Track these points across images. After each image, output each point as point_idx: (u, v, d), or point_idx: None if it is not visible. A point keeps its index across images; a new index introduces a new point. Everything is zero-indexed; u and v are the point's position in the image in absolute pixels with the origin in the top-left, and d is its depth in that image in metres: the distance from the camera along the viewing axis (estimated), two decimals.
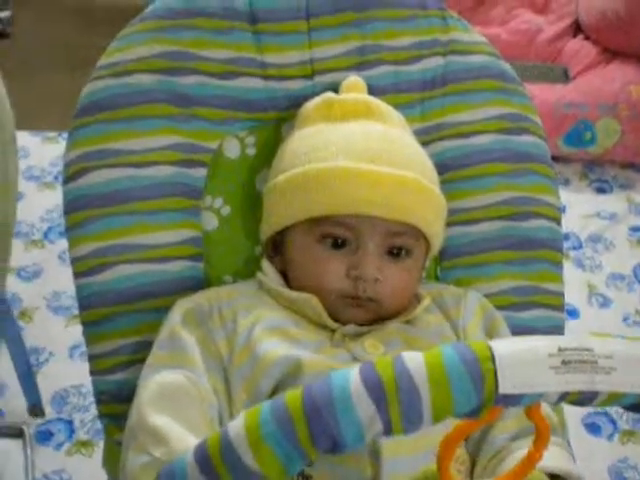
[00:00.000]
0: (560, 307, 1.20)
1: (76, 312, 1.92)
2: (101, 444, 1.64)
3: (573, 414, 1.80)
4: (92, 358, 1.07)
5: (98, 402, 1.07)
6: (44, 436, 1.64)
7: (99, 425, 1.69)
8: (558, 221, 1.21)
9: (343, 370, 0.57)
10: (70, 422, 1.68)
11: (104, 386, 1.06)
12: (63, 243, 2.10)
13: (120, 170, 1.08)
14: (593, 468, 1.81)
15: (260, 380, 0.94)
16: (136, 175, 1.09)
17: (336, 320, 1.01)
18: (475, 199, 1.18)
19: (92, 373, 1.07)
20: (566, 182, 2.58)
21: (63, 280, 1.97)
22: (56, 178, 2.34)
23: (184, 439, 0.85)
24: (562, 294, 1.20)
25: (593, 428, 1.91)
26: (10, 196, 1.06)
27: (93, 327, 1.07)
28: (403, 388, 0.55)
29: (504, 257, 1.17)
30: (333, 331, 1.00)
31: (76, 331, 1.88)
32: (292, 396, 0.56)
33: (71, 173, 1.09)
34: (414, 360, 0.56)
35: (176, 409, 0.91)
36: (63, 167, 1.10)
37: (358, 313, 1.01)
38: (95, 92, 1.11)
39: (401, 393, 0.55)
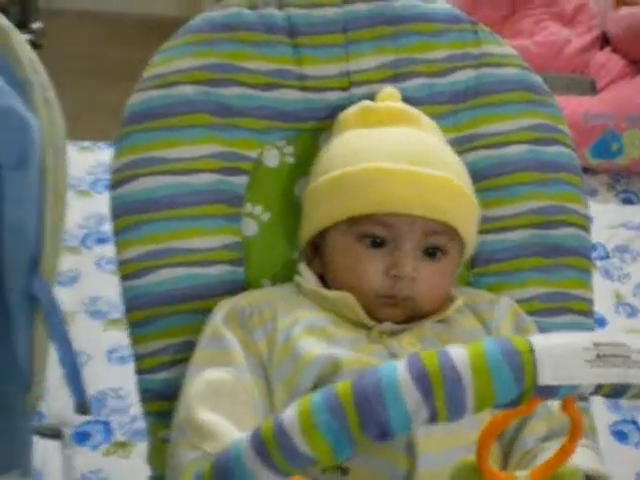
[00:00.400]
0: (589, 313, 1.22)
1: (113, 317, 1.99)
2: (138, 445, 1.70)
3: (601, 422, 1.82)
4: (137, 358, 1.11)
5: (143, 400, 1.11)
6: (82, 437, 1.69)
7: (136, 427, 1.74)
8: (587, 229, 1.24)
9: (391, 362, 0.60)
10: (107, 424, 1.73)
11: (149, 385, 1.10)
12: (99, 250, 2.18)
13: (165, 177, 1.13)
14: (620, 475, 1.83)
15: (299, 379, 0.98)
16: (180, 182, 1.13)
17: (372, 318, 1.04)
18: (507, 208, 1.21)
19: (137, 372, 1.11)
20: (593, 193, 2.60)
21: (99, 286, 2.02)
22: (92, 186, 2.39)
23: (232, 434, 0.89)
24: (591, 301, 1.23)
25: (620, 435, 1.93)
26: (60, 201, 1.10)
27: (138, 328, 1.11)
28: (448, 378, 0.58)
29: (534, 264, 1.21)
30: (369, 329, 1.04)
31: (113, 335, 1.94)
32: (343, 386, 0.60)
33: (118, 180, 1.13)
34: (458, 352, 0.60)
35: (223, 406, 0.95)
36: (110, 174, 1.15)
37: (395, 311, 1.05)
38: (141, 102, 1.15)
39: (446, 383, 0.58)
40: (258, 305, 1.05)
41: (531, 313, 1.17)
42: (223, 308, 1.06)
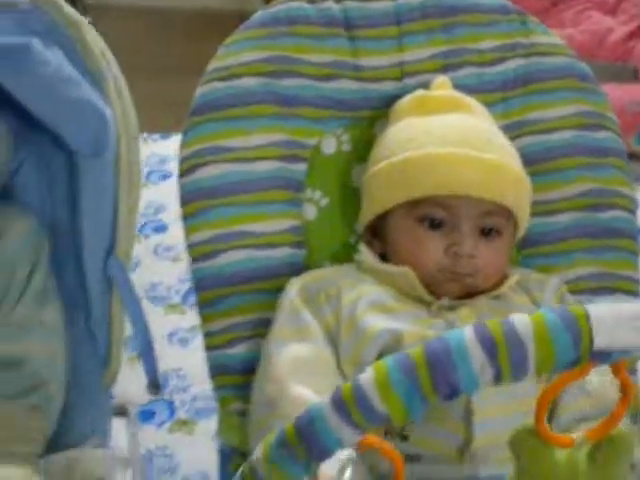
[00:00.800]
0: (637, 293, 1.27)
1: (172, 302, 2.07)
2: (200, 423, 1.77)
3: None
4: (207, 335, 1.18)
5: (213, 375, 1.17)
6: (147, 415, 1.77)
7: (197, 405, 1.82)
8: (634, 212, 1.29)
9: (458, 329, 0.66)
10: (171, 403, 1.81)
11: (219, 360, 1.17)
12: (156, 238, 2.25)
13: (231, 165, 1.19)
14: None
15: (364, 352, 1.05)
16: (245, 170, 1.19)
17: (431, 294, 1.10)
18: (555, 191, 1.26)
19: (208, 348, 1.18)
20: (638, 178, 2.62)
21: (158, 272, 2.10)
22: (147, 177, 2.47)
23: None
24: (638, 281, 1.28)
25: None
26: (134, 188, 1.16)
27: (207, 307, 1.17)
28: (511, 341, 0.64)
29: (583, 245, 1.25)
30: (428, 304, 1.10)
31: (173, 319, 2.02)
32: (415, 350, 0.65)
33: (187, 168, 1.20)
34: (520, 319, 0.65)
35: (311, 380, 1.02)
36: (178, 162, 1.21)
37: (454, 287, 1.11)
38: (207, 94, 1.22)
39: (510, 346, 0.64)
40: (324, 283, 1.12)
41: (579, 293, 1.22)
42: (295, 286, 1.13)
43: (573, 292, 1.20)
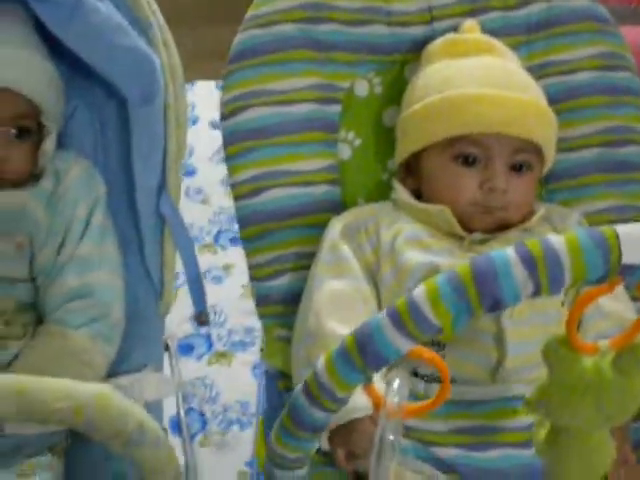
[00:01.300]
0: None
1: (204, 242, 2.15)
2: (237, 355, 1.87)
3: None
4: (252, 267, 1.25)
5: (259, 304, 1.25)
6: (186, 349, 1.87)
7: (233, 339, 1.92)
8: None
9: (501, 249, 0.74)
10: (208, 336, 1.90)
11: (264, 291, 1.25)
12: (187, 181, 2.32)
13: (270, 108, 1.26)
14: None
15: (403, 285, 1.13)
16: (283, 112, 1.27)
17: (464, 229, 1.18)
18: (577, 129, 1.33)
19: (253, 280, 1.26)
20: None
21: (189, 214, 2.17)
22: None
23: None
24: None
25: None
26: (181, 132, 1.24)
27: (251, 242, 1.25)
28: (549, 258, 0.72)
29: (604, 179, 1.32)
30: (461, 239, 1.18)
31: (206, 259, 2.10)
32: (462, 267, 0.73)
33: (229, 111, 1.27)
34: (556, 239, 0.73)
35: (347, 313, 1.10)
36: (220, 106, 1.28)
37: (487, 221, 1.18)
38: (245, 41, 1.28)
39: (547, 262, 0.71)
40: (363, 221, 1.19)
41: (601, 224, 1.28)
42: (336, 225, 1.21)
43: (597, 224, 1.27)
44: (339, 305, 1.13)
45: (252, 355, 1.87)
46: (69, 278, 1.14)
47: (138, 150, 1.21)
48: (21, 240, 1.14)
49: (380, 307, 1.14)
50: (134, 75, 1.19)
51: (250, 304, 1.91)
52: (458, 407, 1.10)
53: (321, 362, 0.79)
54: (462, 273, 0.73)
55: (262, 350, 1.56)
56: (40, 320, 1.16)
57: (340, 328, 1.09)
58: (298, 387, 0.83)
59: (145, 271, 1.23)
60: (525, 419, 1.08)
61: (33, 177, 1.19)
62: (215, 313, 1.94)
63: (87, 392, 0.81)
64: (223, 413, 1.79)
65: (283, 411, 0.84)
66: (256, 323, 1.95)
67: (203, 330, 1.88)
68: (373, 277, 1.16)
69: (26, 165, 1.18)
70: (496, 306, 0.73)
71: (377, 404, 0.83)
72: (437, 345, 1.10)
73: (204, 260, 2.03)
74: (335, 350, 0.78)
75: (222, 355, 1.89)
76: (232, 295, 1.97)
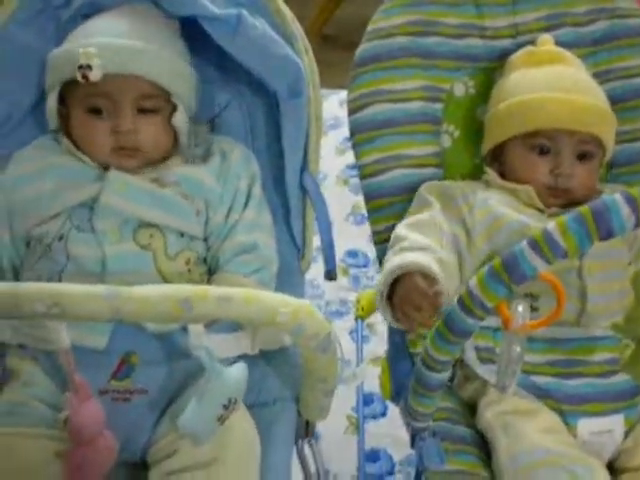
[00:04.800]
0: None
1: None
2: (335, 322, 2.17)
3: None
4: (375, 233, 1.55)
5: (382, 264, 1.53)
6: None
7: (331, 309, 2.21)
8: None
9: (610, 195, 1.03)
10: None
11: (381, 253, 1.51)
12: None
13: (389, 105, 1.56)
14: None
15: (497, 234, 1.42)
16: (400, 108, 1.56)
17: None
18: (638, 123, 1.62)
19: (375, 245, 1.56)
20: None
21: None
22: None
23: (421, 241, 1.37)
24: None
25: None
26: (319, 123, 1.51)
27: (375, 212, 1.55)
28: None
29: None
30: (541, 211, 1.46)
31: None
32: (583, 208, 1.02)
33: (355, 107, 1.57)
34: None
35: (418, 229, 1.40)
36: (348, 103, 1.58)
37: (557, 199, 1.47)
38: (368, 49, 1.58)
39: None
40: (460, 186, 1.50)
41: None
42: (429, 185, 1.51)
43: None
44: (414, 225, 1.42)
45: (347, 322, 2.16)
46: (239, 235, 1.41)
47: (287, 136, 1.49)
48: (200, 206, 1.42)
49: (472, 251, 1.42)
50: (284, 75, 1.48)
51: (343, 280, 2.25)
52: (551, 343, 1.39)
53: (473, 281, 1.08)
54: (583, 211, 1.02)
55: None
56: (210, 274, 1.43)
57: (422, 238, 1.37)
58: (454, 301, 1.11)
59: (290, 235, 1.52)
60: (603, 355, 1.38)
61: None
62: (313, 287, 2.23)
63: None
64: None
65: (438, 322, 1.13)
66: (349, 295, 2.25)
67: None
68: (462, 222, 1.43)
69: (158, 137, 1.42)
70: (609, 236, 1.02)
71: (506, 322, 1.11)
72: (531, 296, 1.37)
73: None
74: (485, 270, 1.07)
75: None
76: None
